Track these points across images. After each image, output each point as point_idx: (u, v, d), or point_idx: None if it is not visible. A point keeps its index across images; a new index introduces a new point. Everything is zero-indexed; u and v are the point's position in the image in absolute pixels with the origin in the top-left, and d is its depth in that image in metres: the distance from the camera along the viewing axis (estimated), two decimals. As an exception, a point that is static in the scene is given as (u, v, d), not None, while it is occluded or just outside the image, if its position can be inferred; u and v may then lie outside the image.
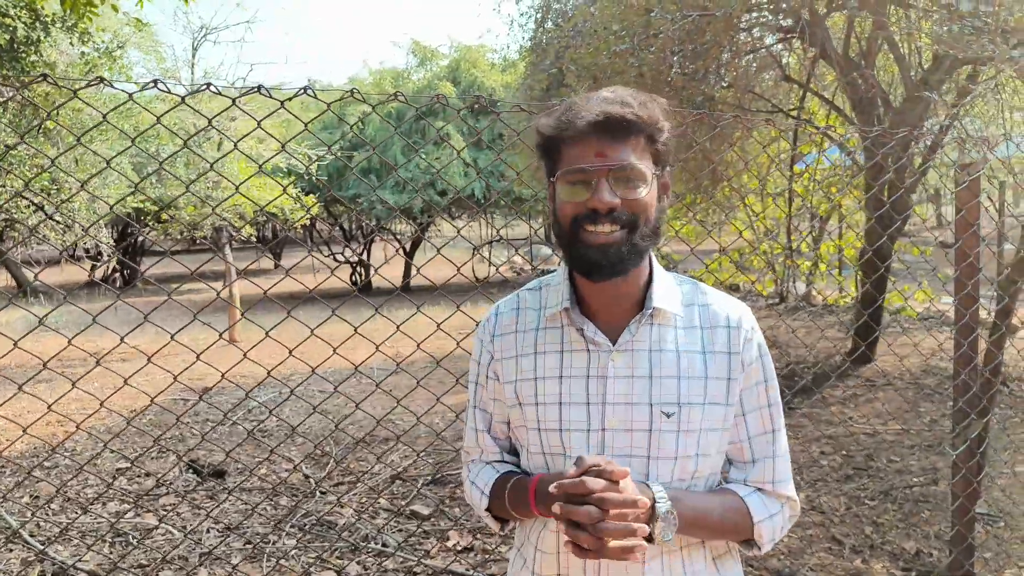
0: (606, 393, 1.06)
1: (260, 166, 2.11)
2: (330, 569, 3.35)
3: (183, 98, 1.67)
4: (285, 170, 11.76)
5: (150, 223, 9.44)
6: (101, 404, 2.14)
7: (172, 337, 2.05)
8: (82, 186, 1.85)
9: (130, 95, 1.86)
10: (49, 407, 2.02)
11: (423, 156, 13.26)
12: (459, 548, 3.55)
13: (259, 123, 2.10)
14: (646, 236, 1.03)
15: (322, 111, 1.90)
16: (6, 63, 4.36)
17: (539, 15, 7.66)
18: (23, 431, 2.07)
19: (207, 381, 6.61)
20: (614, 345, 1.07)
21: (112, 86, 1.69)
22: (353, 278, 15.66)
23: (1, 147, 5.01)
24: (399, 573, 3.31)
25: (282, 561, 3.42)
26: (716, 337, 1.10)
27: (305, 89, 1.83)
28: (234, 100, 1.71)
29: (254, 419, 5.75)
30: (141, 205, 8.29)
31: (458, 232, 2.82)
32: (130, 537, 3.72)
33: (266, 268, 20.77)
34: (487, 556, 3.47)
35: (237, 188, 2.44)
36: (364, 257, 16.13)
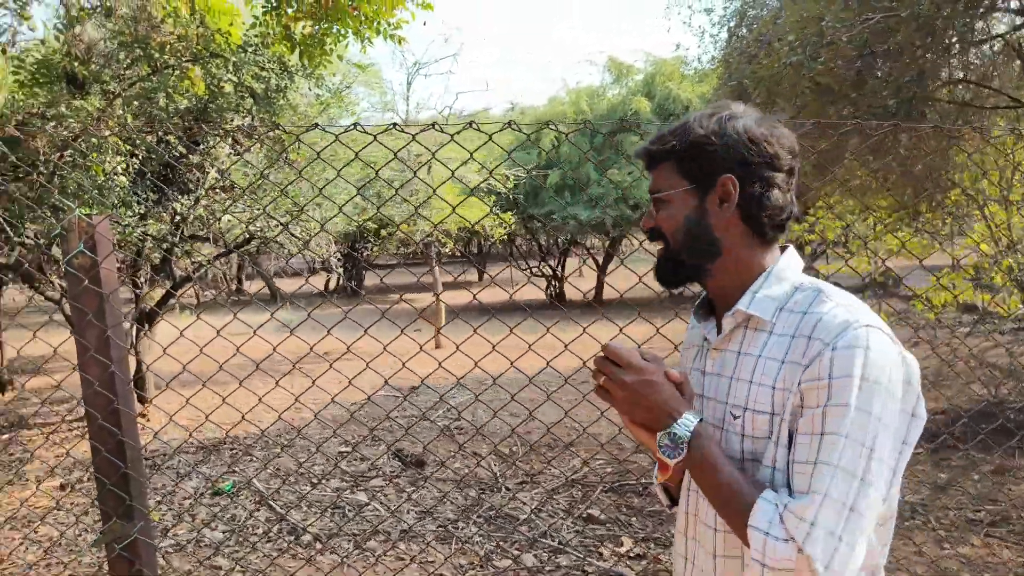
0: (703, 387, 1.19)
1: (472, 191, 2.43)
2: (508, 557, 3.64)
3: (375, 137, 2.03)
4: (484, 190, 12.58)
5: (371, 239, 10.62)
6: (332, 398, 2.61)
7: (384, 348, 2.41)
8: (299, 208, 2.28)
9: (337, 135, 2.25)
10: (296, 398, 2.52)
11: (617, 170, 13.55)
12: (631, 554, 3.66)
13: (471, 155, 2.25)
14: (680, 252, 1.15)
15: (521, 140, 2.16)
16: (262, 108, 5.28)
17: (732, 23, 7.52)
18: (278, 416, 2.59)
19: (415, 381, 7.32)
20: (714, 343, 1.19)
21: (325, 130, 2.08)
22: (549, 291, 16.22)
23: (256, 175, 6.02)
24: (571, 570, 3.51)
25: (467, 544, 3.77)
26: (796, 346, 1.03)
27: (509, 124, 2.09)
28: (452, 136, 1.99)
29: (451, 417, 6.29)
30: (365, 224, 9.38)
31: (639, 244, 2.83)
32: (346, 510, 4.31)
33: (471, 280, 22.18)
34: (658, 566, 3.55)
35: (454, 209, 2.72)
36: (558, 270, 16.62)
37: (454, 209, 2.93)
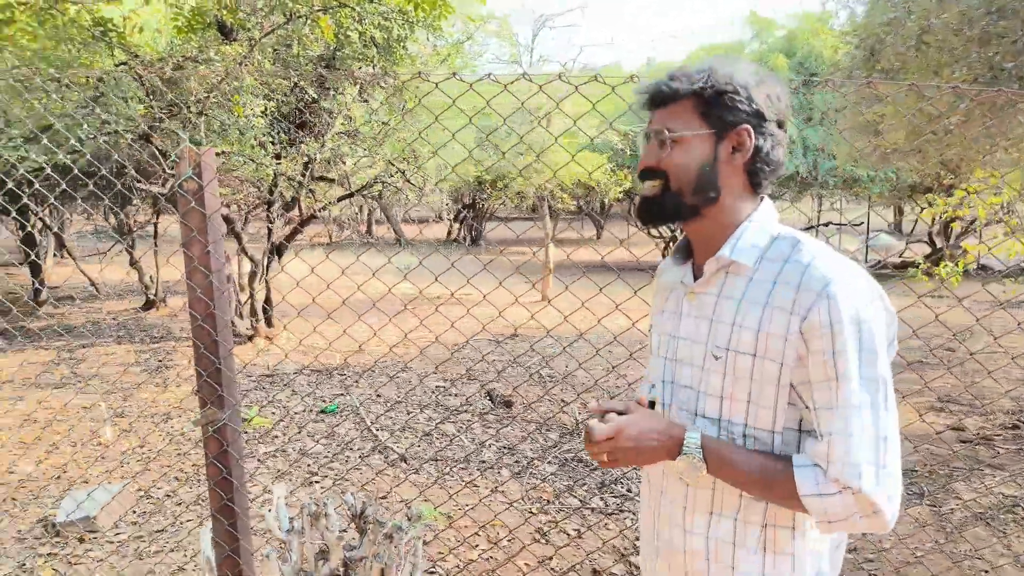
0: (679, 328, 1.25)
1: (591, 142, 2.53)
2: (576, 497, 3.81)
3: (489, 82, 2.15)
4: (604, 147, 12.44)
5: (487, 191, 10.89)
6: (436, 338, 2.84)
7: (484, 297, 2.54)
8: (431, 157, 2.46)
9: (471, 85, 2.35)
10: (406, 335, 2.76)
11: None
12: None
13: (594, 105, 2.28)
14: (681, 192, 1.16)
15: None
16: (383, 56, 5.56)
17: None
18: (389, 349, 2.85)
19: (523, 329, 7.57)
20: (693, 286, 1.24)
21: (461, 79, 2.17)
22: (665, 252, 15.96)
23: (379, 124, 6.35)
24: (635, 515, 3.63)
25: (541, 482, 3.98)
26: (780, 293, 1.09)
27: (631, 77, 2.14)
28: (576, 87, 2.06)
29: (544, 365, 6.49)
30: (481, 175, 9.63)
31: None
32: (433, 437, 4.64)
33: (588, 237, 22.14)
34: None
35: (573, 157, 2.80)
36: (678, 232, 16.26)
37: (573, 157, 3.00)
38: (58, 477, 3.99)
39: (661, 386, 1.30)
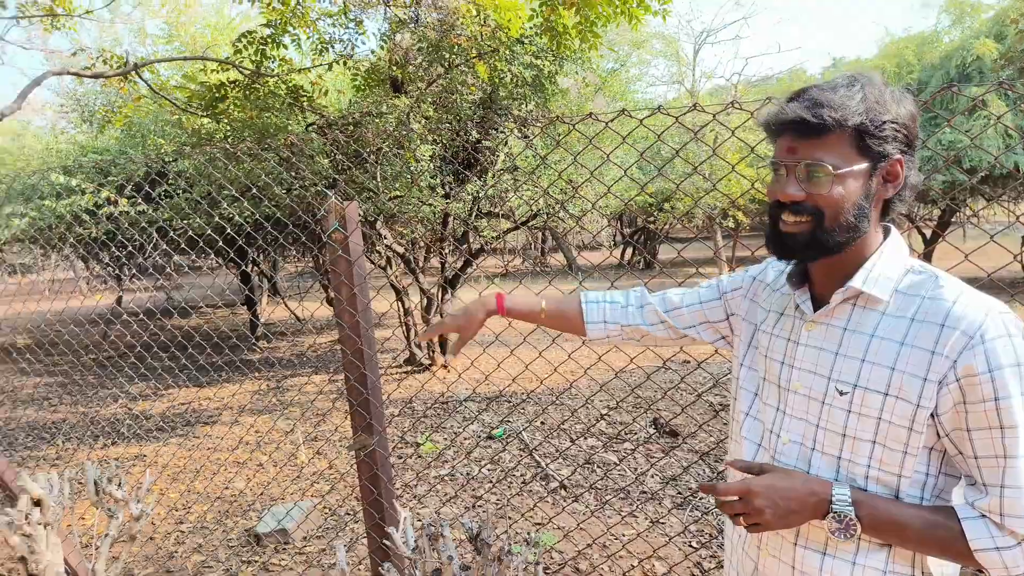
0: (795, 358, 1.19)
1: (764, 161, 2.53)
2: (742, 532, 3.62)
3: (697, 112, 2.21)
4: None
5: (654, 213, 10.76)
6: (594, 363, 2.90)
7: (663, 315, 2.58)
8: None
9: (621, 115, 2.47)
10: (569, 355, 2.85)
11: (949, 130, 11.57)
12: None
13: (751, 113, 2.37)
14: (835, 230, 1.08)
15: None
16: (535, 94, 5.77)
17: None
18: (554, 369, 2.96)
19: (690, 354, 7.38)
20: (813, 316, 1.17)
21: (630, 115, 2.27)
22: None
23: (535, 159, 6.56)
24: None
25: (706, 516, 3.84)
26: (922, 332, 1.05)
27: (767, 99, 2.13)
28: (752, 113, 2.06)
29: (718, 392, 6.24)
30: (647, 199, 9.57)
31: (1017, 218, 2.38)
32: (595, 465, 4.65)
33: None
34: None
35: (732, 168, 2.81)
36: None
37: (732, 168, 2.97)
38: (262, 493, 4.52)
39: (762, 408, 1.26)
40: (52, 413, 7.19)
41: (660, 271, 17.60)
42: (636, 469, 4.57)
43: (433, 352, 7.74)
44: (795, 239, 1.11)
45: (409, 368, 7.82)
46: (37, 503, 1.84)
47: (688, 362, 7.51)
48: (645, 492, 4.20)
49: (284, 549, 3.68)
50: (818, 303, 1.19)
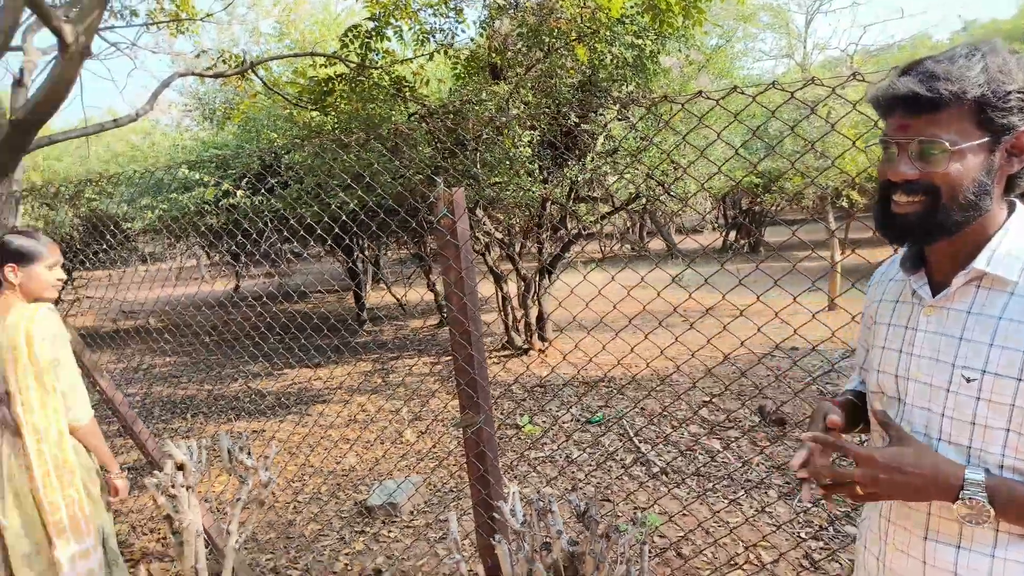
0: (913, 345, 1.13)
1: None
2: (855, 526, 3.48)
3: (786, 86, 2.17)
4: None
5: (761, 194, 10.36)
6: (700, 349, 2.88)
7: (758, 297, 2.47)
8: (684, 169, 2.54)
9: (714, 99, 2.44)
10: (663, 348, 2.84)
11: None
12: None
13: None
14: (952, 209, 1.03)
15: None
16: (636, 74, 5.67)
17: None
18: (647, 364, 2.96)
19: (796, 340, 7.11)
20: (933, 301, 1.11)
21: (743, 92, 2.23)
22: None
23: (638, 140, 6.47)
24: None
25: (812, 508, 3.71)
26: None
27: (893, 69, 2.05)
28: (833, 89, 2.05)
29: (831, 381, 5.98)
30: (752, 179, 9.23)
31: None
32: (696, 453, 4.58)
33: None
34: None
35: (852, 143, 2.73)
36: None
37: (842, 153, 2.88)
38: (371, 469, 4.73)
39: (884, 402, 1.21)
40: (182, 390, 7.79)
41: (769, 254, 16.95)
42: (741, 457, 4.47)
43: (531, 336, 7.82)
44: (908, 220, 1.06)
45: (507, 352, 7.94)
46: (180, 468, 2.02)
47: (797, 348, 7.23)
48: (750, 480, 4.10)
49: (393, 522, 3.85)
50: (937, 287, 1.13)
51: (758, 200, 11.19)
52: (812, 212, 10.60)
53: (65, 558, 2.11)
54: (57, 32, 3.57)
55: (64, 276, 2.41)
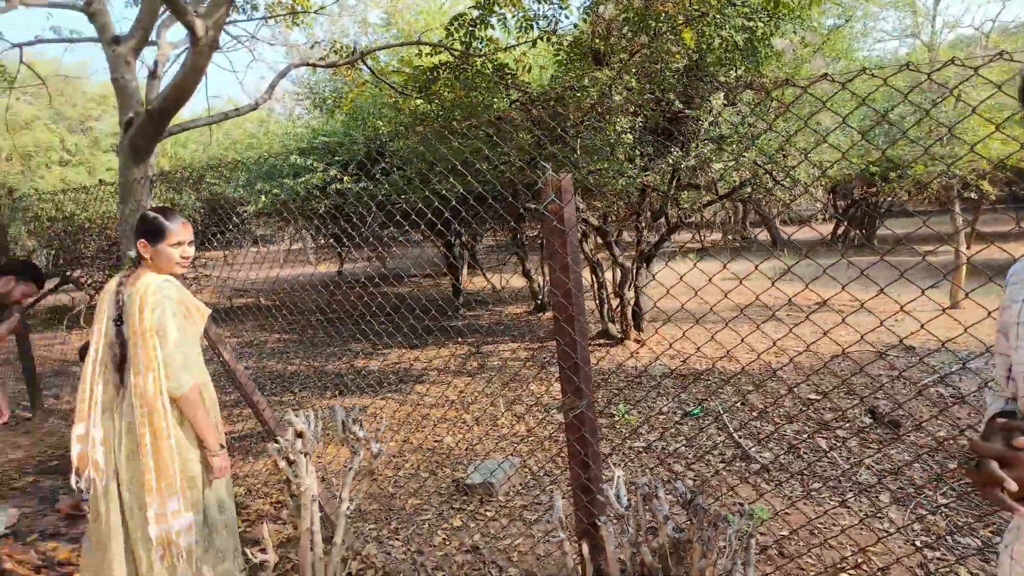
0: None
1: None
2: (979, 539, 3.26)
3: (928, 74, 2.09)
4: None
5: (878, 184, 9.77)
6: (816, 341, 2.79)
7: (881, 289, 2.37)
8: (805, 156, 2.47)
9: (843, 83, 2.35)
10: (774, 342, 2.78)
11: None
12: None
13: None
14: None
15: None
16: (746, 58, 5.47)
17: None
18: (757, 356, 2.90)
19: (916, 339, 6.71)
20: None
21: (873, 75, 2.19)
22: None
23: (747, 127, 6.24)
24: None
25: (930, 516, 3.50)
26: None
27: None
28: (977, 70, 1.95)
29: (951, 384, 5.61)
30: (870, 167, 8.72)
31: None
32: (801, 451, 4.41)
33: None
34: None
35: (996, 128, 2.58)
36: None
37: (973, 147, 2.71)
38: (467, 449, 4.85)
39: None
40: (291, 366, 8.23)
41: (889, 248, 16.01)
42: (850, 458, 4.27)
43: (626, 326, 7.74)
44: None
45: (602, 341, 7.90)
46: (299, 435, 2.15)
47: (912, 348, 6.81)
48: (859, 483, 3.91)
49: (489, 502, 3.94)
50: None
51: (876, 190, 10.54)
52: (936, 203, 9.91)
53: (152, 515, 2.29)
54: (190, 27, 3.82)
55: (191, 253, 2.59)
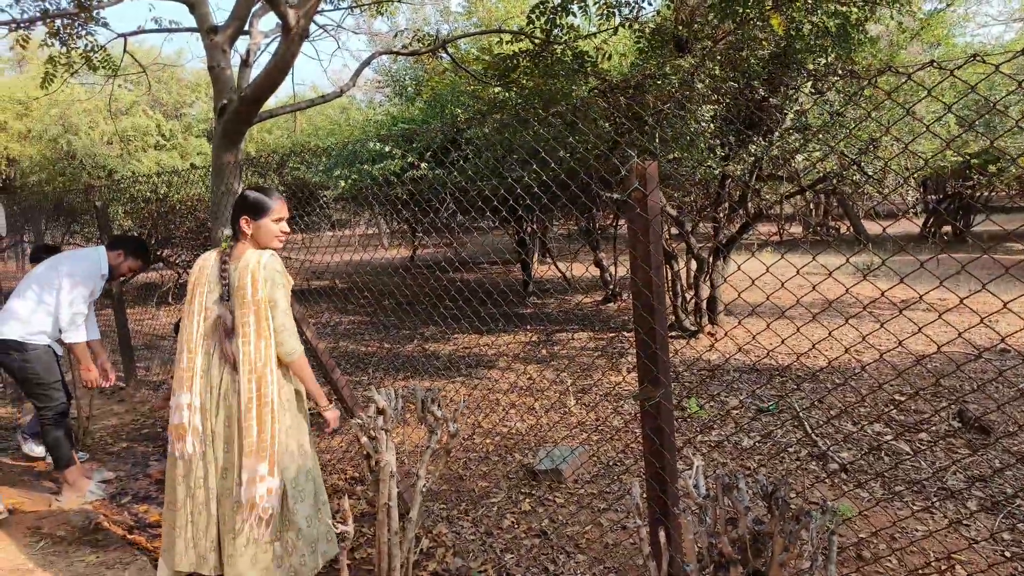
0: None
1: None
2: (1074, 553, 3.08)
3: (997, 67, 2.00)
4: None
5: (974, 177, 9.23)
6: (909, 337, 2.71)
7: (983, 286, 2.37)
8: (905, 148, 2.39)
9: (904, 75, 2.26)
10: (864, 337, 2.71)
11: None
12: None
13: None
14: None
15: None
16: (838, 46, 5.25)
17: None
18: (828, 362, 2.83)
19: (1016, 341, 6.35)
20: None
21: (941, 67, 2.11)
22: None
23: (828, 116, 6.02)
24: None
25: (1021, 525, 3.33)
26: None
27: None
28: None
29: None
30: (969, 159, 8.25)
31: None
32: (882, 453, 4.25)
33: None
34: None
35: None
36: None
37: None
38: (536, 435, 4.89)
39: None
40: (364, 347, 8.47)
41: (989, 245, 15.14)
42: (934, 464, 4.09)
43: (700, 319, 7.61)
44: None
45: (675, 333, 7.79)
46: (380, 412, 2.23)
47: (1008, 351, 6.44)
48: (945, 489, 3.75)
49: (558, 488, 3.97)
50: None
51: (972, 184, 9.96)
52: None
53: (245, 477, 2.43)
54: (283, 16, 3.97)
55: (288, 229, 2.72)
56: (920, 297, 2.30)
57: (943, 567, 2.95)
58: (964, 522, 3.36)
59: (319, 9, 7.51)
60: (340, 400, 3.73)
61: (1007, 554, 3.07)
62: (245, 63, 5.40)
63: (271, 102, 6.19)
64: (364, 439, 2.20)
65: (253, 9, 5.52)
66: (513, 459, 4.48)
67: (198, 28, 4.81)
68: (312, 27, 8.43)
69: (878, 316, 7.54)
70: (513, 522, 3.60)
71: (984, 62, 1.49)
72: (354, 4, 7.46)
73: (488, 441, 4.82)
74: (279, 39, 4.21)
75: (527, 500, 3.84)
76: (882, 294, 2.27)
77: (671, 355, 6.99)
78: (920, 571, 2.92)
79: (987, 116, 8.84)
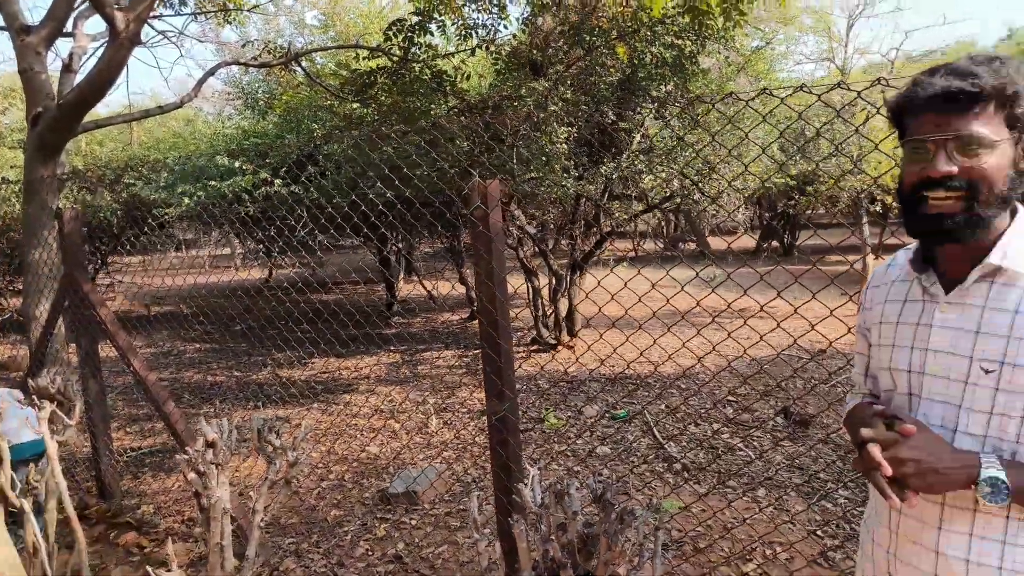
0: (928, 341, 1.16)
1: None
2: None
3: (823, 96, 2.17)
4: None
5: (794, 197, 10.21)
6: (712, 348, 2.87)
7: (778, 294, 2.57)
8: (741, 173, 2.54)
9: (743, 102, 2.43)
10: (712, 349, 2.84)
11: None
12: None
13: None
14: (990, 203, 1.06)
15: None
16: (675, 74, 5.65)
17: None
18: (683, 371, 2.98)
19: (821, 342, 7.01)
20: (947, 297, 1.15)
21: (738, 98, 2.27)
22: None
23: (674, 140, 6.43)
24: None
25: (825, 503, 3.68)
26: None
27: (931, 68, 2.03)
28: (858, 93, 1.99)
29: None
30: (786, 181, 9.11)
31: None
32: (719, 451, 4.56)
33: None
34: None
35: (875, 146, 2.72)
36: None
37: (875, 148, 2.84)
38: (395, 458, 4.80)
39: (893, 397, 1.24)
40: (211, 376, 7.96)
41: (811, 258, 16.68)
42: (763, 455, 4.44)
43: (559, 332, 7.83)
44: (952, 219, 1.07)
45: (535, 347, 7.96)
46: (210, 445, 2.09)
47: (825, 351, 7.13)
48: (770, 479, 4.07)
49: (414, 510, 3.91)
50: (948, 285, 1.17)
51: (791, 203, 11.03)
52: (846, 217, 10.43)
53: None
54: (109, 19, 3.68)
55: None
56: (762, 307, 2.48)
57: (766, 552, 3.20)
58: (786, 508, 3.66)
59: (157, 14, 7.06)
60: (173, 434, 3.47)
61: (820, 533, 3.38)
62: (68, 68, 4.96)
63: (101, 111, 5.72)
64: (192, 475, 2.05)
65: (77, 10, 5.10)
66: (370, 484, 4.36)
67: (7, 27, 4.36)
68: (150, 32, 7.88)
69: (724, 326, 8.10)
70: (367, 549, 3.50)
71: (810, 92, 1.66)
72: (198, 11, 7.09)
73: (343, 467, 4.67)
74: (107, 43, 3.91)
75: (382, 525, 3.75)
76: (728, 306, 2.44)
77: (531, 368, 7.14)
78: (743, 555, 3.15)
79: (805, 144, 9.84)
